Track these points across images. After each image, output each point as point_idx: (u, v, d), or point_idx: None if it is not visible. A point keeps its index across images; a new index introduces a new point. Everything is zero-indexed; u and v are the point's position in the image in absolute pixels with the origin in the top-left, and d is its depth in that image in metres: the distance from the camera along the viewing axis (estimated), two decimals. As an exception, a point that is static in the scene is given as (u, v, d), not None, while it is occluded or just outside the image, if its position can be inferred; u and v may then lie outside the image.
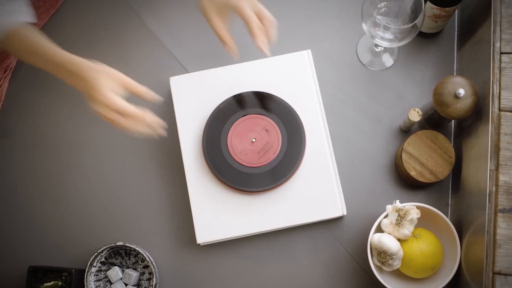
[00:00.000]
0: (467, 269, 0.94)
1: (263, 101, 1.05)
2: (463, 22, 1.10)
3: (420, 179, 1.00)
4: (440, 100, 0.94)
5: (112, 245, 1.02)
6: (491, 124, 0.89)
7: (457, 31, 1.12)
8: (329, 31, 1.14)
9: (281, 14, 1.14)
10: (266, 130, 1.04)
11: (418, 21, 0.94)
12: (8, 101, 1.14)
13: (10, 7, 0.91)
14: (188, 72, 1.12)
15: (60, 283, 1.01)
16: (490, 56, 0.91)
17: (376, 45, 1.10)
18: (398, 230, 0.96)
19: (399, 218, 0.96)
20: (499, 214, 0.85)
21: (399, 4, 0.99)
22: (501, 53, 0.90)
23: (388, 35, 0.97)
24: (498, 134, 0.88)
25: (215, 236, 1.02)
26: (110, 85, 0.89)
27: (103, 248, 1.02)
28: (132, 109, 0.88)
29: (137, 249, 1.02)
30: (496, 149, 0.87)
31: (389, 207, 0.97)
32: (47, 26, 1.16)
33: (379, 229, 1.00)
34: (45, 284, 1.00)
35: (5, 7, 0.91)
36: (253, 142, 1.03)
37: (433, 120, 1.04)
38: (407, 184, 1.07)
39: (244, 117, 1.04)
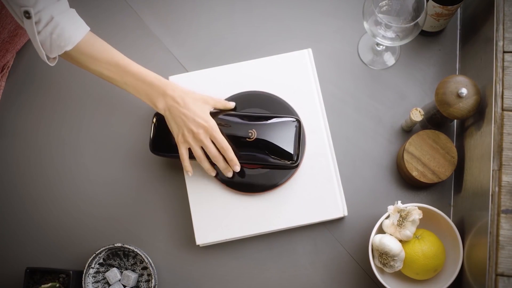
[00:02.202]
0: (469, 270, 0.93)
1: (263, 101, 1.04)
2: (465, 20, 1.10)
3: (422, 179, 0.99)
4: (442, 99, 0.93)
5: (111, 246, 1.01)
6: (494, 124, 0.88)
7: (460, 29, 1.11)
8: (330, 30, 1.13)
9: (281, 12, 1.14)
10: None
11: (420, 19, 0.93)
12: (5, 100, 1.13)
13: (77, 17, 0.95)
14: (187, 71, 1.12)
15: (57, 285, 1.01)
16: (493, 55, 0.91)
17: (378, 44, 1.09)
18: (400, 231, 0.95)
19: (400, 219, 0.96)
20: (502, 215, 0.84)
21: (401, 2, 0.99)
22: (504, 52, 0.90)
23: (390, 34, 0.97)
24: (501, 134, 0.87)
25: (215, 237, 1.02)
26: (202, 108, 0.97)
27: (101, 250, 1.01)
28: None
29: (135, 250, 1.01)
30: (499, 149, 0.87)
31: (390, 208, 0.97)
32: (45, 25, 1.15)
33: (381, 230, 0.99)
34: (43, 286, 1.00)
35: (75, 17, 0.94)
36: (253, 142, 1.03)
37: (435, 120, 1.03)
38: (409, 184, 1.06)
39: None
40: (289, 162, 0.98)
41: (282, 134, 0.99)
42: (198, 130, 0.95)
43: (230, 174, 0.99)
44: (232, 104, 1.02)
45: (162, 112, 0.98)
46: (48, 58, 0.95)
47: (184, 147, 0.98)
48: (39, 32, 0.90)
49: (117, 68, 0.96)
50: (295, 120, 0.99)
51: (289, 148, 0.98)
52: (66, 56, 0.95)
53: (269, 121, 0.99)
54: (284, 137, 0.99)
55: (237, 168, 0.98)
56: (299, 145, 0.99)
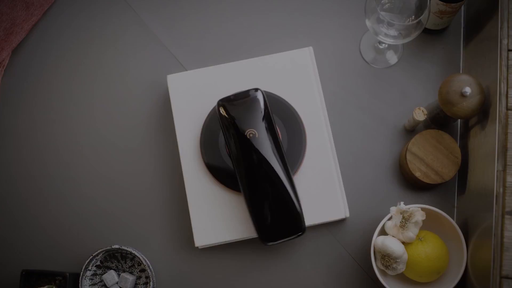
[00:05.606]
0: (473, 273, 0.92)
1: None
2: (469, 18, 1.09)
3: (425, 180, 0.98)
4: (446, 98, 0.93)
5: (108, 248, 1.00)
6: (498, 123, 0.88)
7: (463, 27, 1.11)
8: (331, 28, 1.12)
9: (282, 10, 1.13)
10: (266, 130, 1.02)
11: (423, 17, 0.93)
12: (0, 99, 1.12)
13: None
14: (186, 70, 1.11)
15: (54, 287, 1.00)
16: (497, 53, 0.90)
17: (380, 42, 1.09)
18: (403, 233, 0.95)
19: (403, 221, 0.95)
20: (507, 216, 0.84)
21: (404, -1, 0.98)
22: (508, 50, 0.90)
23: (392, 32, 0.96)
24: (506, 133, 0.87)
25: (214, 239, 1.01)
26: None
27: (98, 251, 1.00)
28: None
29: (133, 252, 1.00)
30: (504, 149, 0.86)
31: (393, 209, 0.96)
32: (41, 22, 1.15)
33: (383, 232, 0.99)
34: (39, 288, 0.99)
35: None
36: (253, 142, 1.02)
37: (439, 120, 1.03)
38: (412, 185, 1.05)
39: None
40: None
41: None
42: None
43: None
44: None
45: None
46: None
47: None
48: None
49: None
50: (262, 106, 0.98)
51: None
52: None
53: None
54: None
55: None
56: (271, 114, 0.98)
